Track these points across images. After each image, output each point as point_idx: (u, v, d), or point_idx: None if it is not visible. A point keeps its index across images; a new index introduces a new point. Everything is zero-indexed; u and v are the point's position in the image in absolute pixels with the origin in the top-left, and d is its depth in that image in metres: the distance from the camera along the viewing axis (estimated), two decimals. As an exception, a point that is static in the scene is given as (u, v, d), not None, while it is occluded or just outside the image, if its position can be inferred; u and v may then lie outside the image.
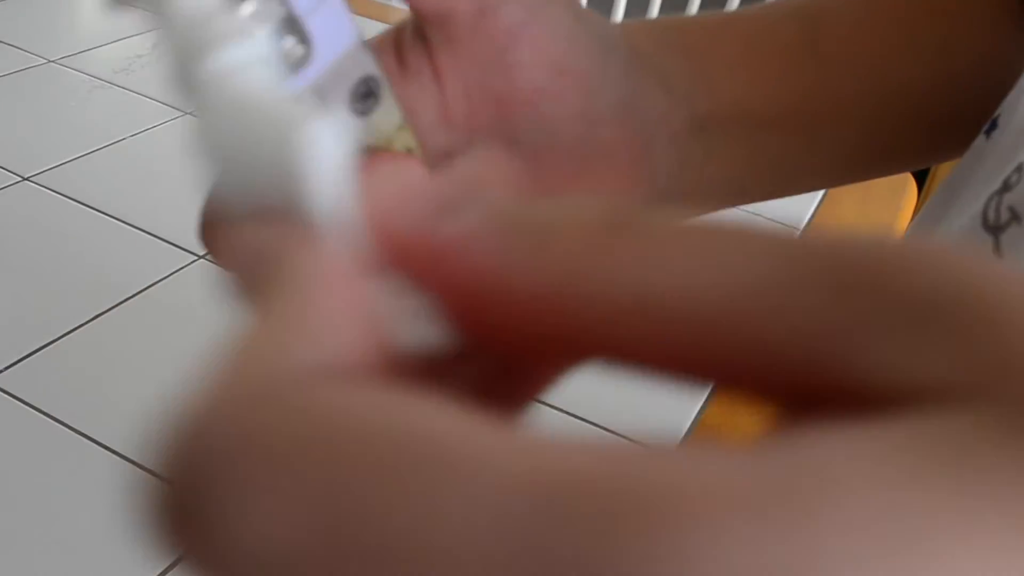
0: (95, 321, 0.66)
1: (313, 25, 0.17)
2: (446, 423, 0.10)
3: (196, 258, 0.74)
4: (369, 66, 0.20)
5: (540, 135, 0.26)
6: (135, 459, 0.55)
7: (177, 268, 0.72)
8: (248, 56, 0.14)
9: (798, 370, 0.10)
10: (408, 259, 0.12)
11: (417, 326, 0.12)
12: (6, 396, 0.59)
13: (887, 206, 0.99)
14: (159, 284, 0.71)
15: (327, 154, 0.12)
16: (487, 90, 0.25)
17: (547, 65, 0.26)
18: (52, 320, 0.65)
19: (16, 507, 0.52)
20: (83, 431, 0.57)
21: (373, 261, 0.12)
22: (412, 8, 0.24)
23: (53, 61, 1.02)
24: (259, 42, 0.14)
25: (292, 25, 0.16)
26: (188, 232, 0.76)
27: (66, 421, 0.58)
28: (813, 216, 0.93)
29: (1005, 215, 0.29)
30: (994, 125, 0.37)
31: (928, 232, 0.39)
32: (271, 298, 0.12)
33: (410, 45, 0.26)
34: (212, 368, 0.11)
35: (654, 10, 1.54)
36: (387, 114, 0.21)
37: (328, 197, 0.12)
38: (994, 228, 0.30)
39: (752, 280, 0.10)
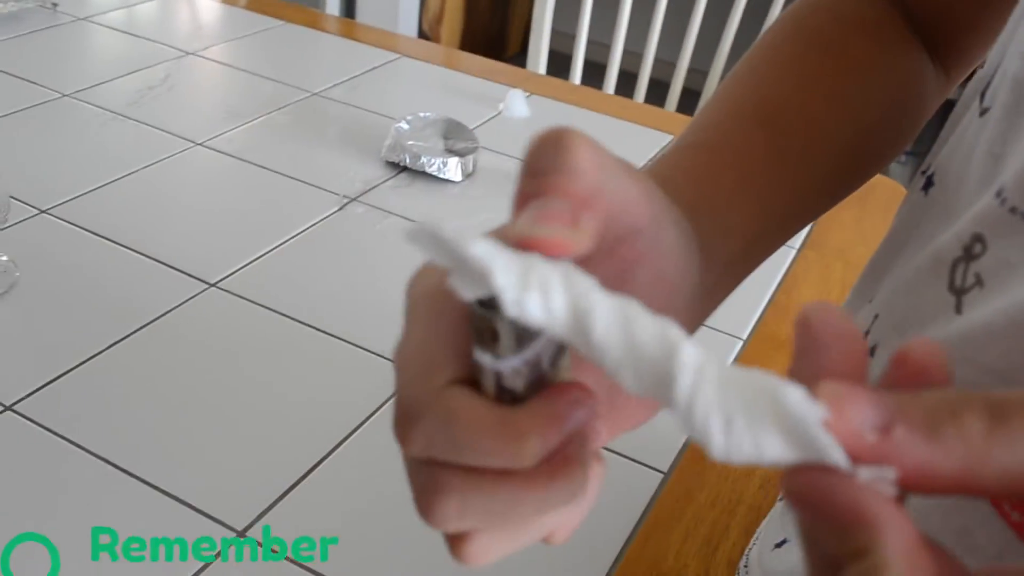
0: (113, 348, 0.69)
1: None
2: None
3: (208, 286, 0.76)
4: None
5: None
6: (153, 482, 0.58)
7: (191, 296, 0.75)
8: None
9: None
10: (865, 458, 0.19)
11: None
12: (29, 422, 0.61)
13: (883, 220, 1.01)
14: (174, 311, 0.73)
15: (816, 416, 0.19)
16: None
17: (653, 278, 0.30)
18: (71, 348, 0.68)
19: (40, 529, 0.54)
20: (103, 455, 0.59)
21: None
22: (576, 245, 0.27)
23: (68, 95, 1.05)
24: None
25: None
26: (200, 260, 0.79)
27: (86, 446, 0.60)
28: (809, 234, 0.95)
29: (971, 280, 0.33)
30: (930, 182, 0.41)
31: (881, 277, 0.43)
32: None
33: None
34: None
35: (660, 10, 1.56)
36: (567, 356, 0.28)
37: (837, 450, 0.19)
38: (959, 291, 0.34)
39: None
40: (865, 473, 0.18)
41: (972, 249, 0.33)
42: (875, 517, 0.18)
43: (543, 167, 0.26)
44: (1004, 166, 0.34)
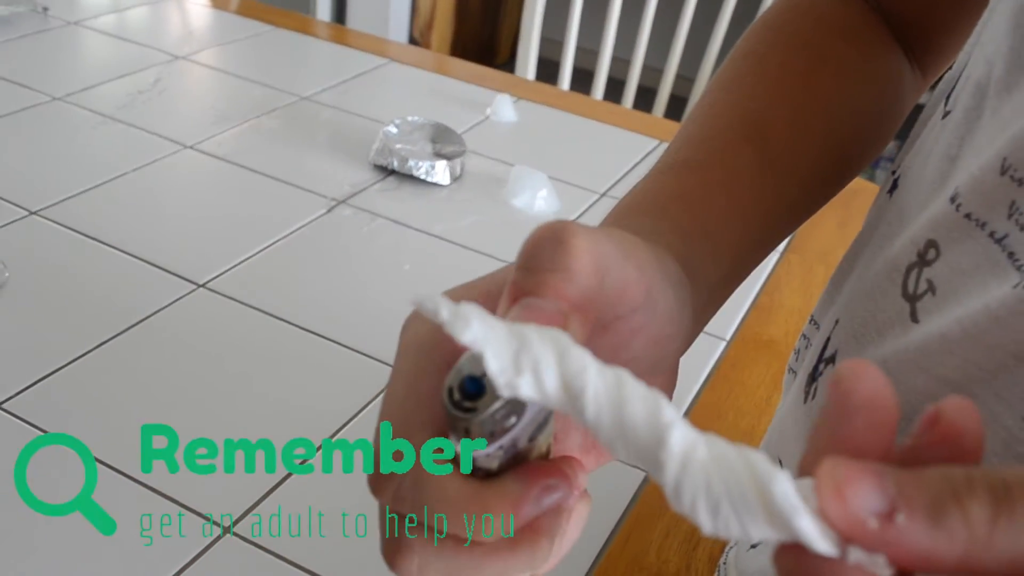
0: (101, 348, 0.69)
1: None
2: None
3: (196, 287, 0.77)
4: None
5: None
6: (140, 479, 0.59)
7: (179, 296, 0.76)
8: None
9: None
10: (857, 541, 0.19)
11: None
12: (18, 420, 0.62)
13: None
14: (162, 312, 0.74)
15: (797, 498, 0.19)
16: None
17: (649, 342, 0.30)
18: (60, 348, 0.69)
19: (28, 524, 0.55)
20: (91, 453, 0.60)
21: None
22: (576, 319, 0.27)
23: (58, 99, 1.05)
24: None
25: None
26: (189, 261, 0.80)
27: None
28: (791, 237, 0.97)
29: (923, 286, 0.33)
30: (895, 185, 0.41)
31: (849, 270, 0.44)
32: None
33: None
34: None
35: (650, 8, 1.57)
36: (550, 428, 0.28)
37: (819, 529, 0.19)
38: (912, 297, 0.34)
39: None
40: (856, 555, 0.19)
41: (926, 255, 0.33)
42: None
43: (540, 264, 0.26)
44: (958, 168, 0.34)
